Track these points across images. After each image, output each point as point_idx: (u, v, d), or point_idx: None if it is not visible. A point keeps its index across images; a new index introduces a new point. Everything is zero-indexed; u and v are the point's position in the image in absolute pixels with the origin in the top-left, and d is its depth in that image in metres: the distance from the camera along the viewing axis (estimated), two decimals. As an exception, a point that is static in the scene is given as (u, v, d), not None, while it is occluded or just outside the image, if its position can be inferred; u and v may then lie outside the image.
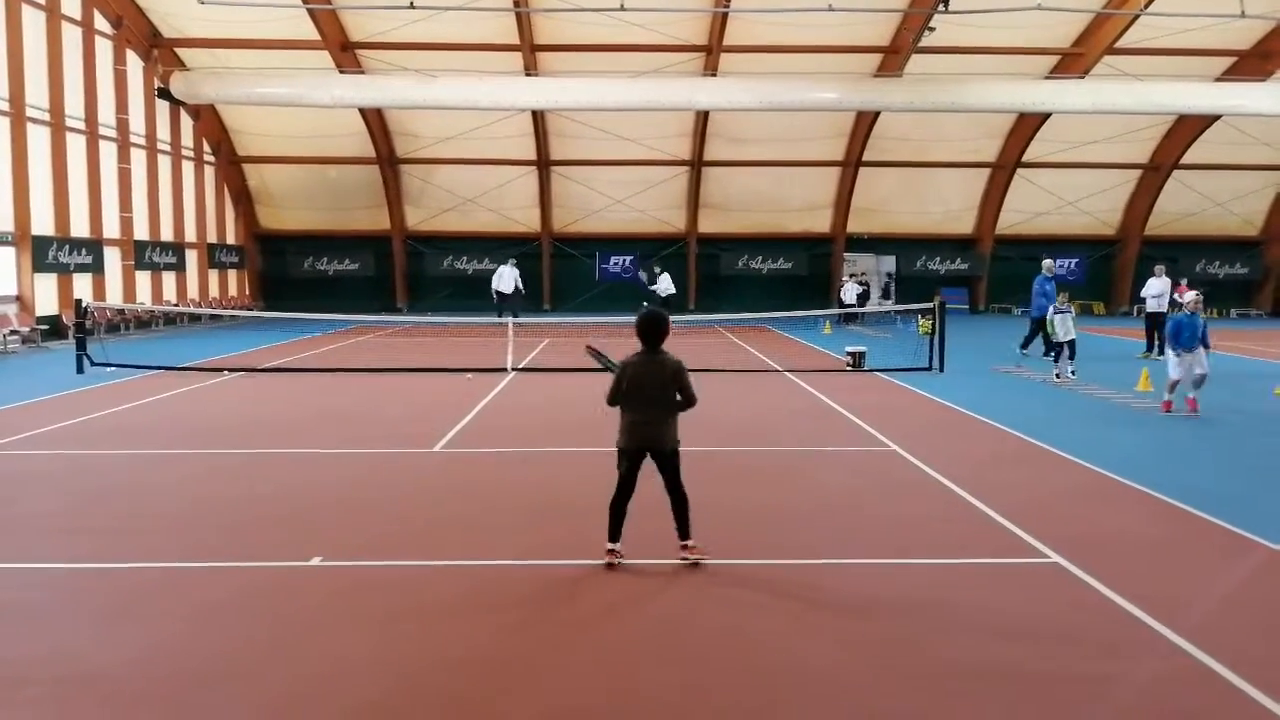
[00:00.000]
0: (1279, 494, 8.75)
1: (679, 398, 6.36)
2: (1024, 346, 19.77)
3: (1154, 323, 20.15)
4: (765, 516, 7.88)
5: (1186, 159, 33.61)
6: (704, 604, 5.85)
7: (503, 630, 5.42)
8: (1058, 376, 16.02)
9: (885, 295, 33.93)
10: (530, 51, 28.74)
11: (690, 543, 6.45)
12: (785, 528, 7.58)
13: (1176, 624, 5.45)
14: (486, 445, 10.76)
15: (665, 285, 30.19)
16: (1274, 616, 5.70)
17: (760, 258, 35.56)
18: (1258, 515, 7.69)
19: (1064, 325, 16.09)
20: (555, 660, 5.04)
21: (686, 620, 5.60)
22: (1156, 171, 34.37)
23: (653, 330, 6.35)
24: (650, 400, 6.31)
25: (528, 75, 28.82)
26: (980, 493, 8.46)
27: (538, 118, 31.54)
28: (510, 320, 25.91)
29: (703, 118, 31.42)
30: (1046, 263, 20.06)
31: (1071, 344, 16.20)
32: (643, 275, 31.29)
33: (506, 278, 29.60)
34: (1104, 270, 36.71)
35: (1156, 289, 20.42)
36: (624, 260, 35.79)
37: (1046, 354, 17.81)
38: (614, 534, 6.43)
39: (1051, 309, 16.54)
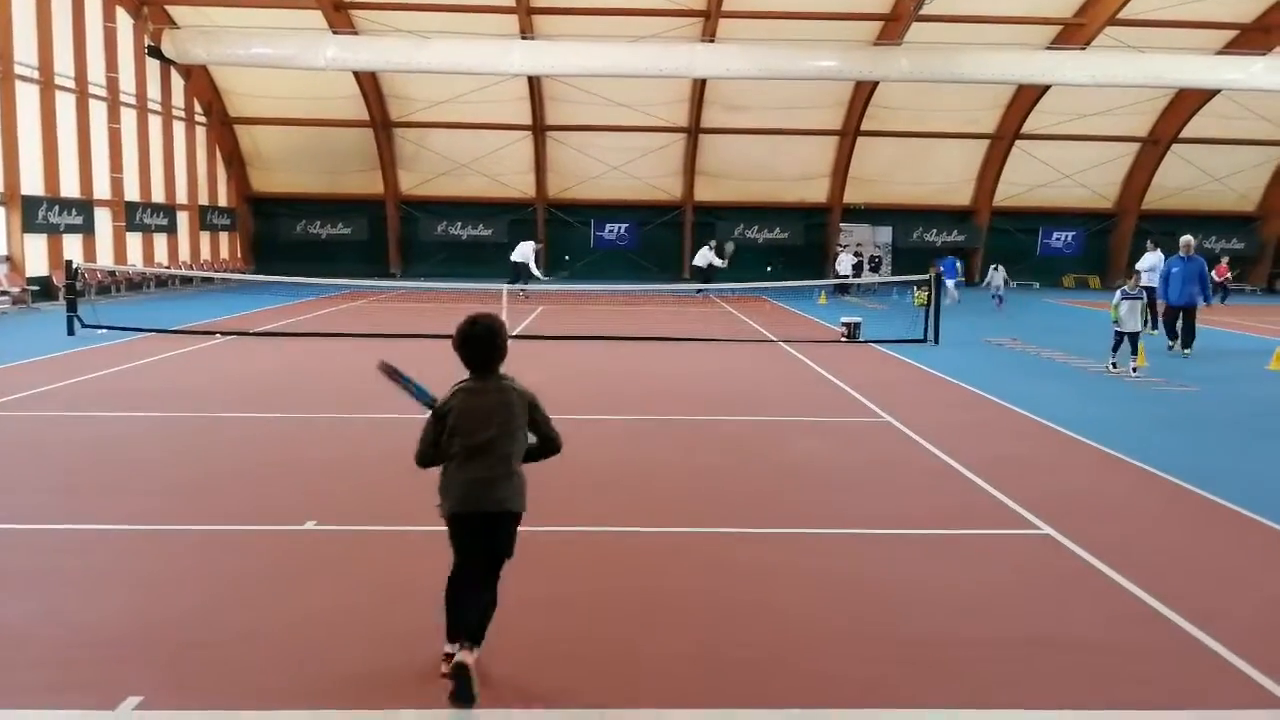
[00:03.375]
0: (1264, 467, 8.79)
1: (530, 442, 4.51)
2: (1185, 345, 16.29)
3: (1149, 298, 20.08)
4: (754, 486, 7.88)
5: (1185, 133, 33.47)
6: (688, 571, 5.85)
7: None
8: (1114, 366, 14.21)
9: (874, 269, 33.71)
10: (526, 14, 28.40)
11: (464, 648, 4.23)
12: (775, 497, 7.59)
13: (1165, 596, 5.48)
14: (480, 411, 10.71)
15: (708, 258, 29.90)
16: (1253, 585, 5.74)
17: (756, 226, 35.43)
18: (1243, 488, 7.73)
19: (1132, 314, 14.07)
20: (547, 624, 5.04)
21: (662, 589, 5.60)
22: (1155, 145, 34.24)
23: (484, 346, 4.43)
24: (490, 446, 4.35)
25: (524, 38, 28.49)
26: (973, 465, 8.47)
27: (534, 82, 31.23)
28: (510, 289, 25.85)
29: (700, 84, 31.14)
30: (1185, 239, 16.47)
31: (1134, 336, 14.13)
32: (710, 255, 30.40)
33: (520, 252, 28.29)
34: (1100, 244, 36.68)
35: (1150, 263, 20.34)
36: (619, 228, 35.61)
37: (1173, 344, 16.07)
38: (450, 631, 4.47)
39: (1119, 294, 14.22)
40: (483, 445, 4.35)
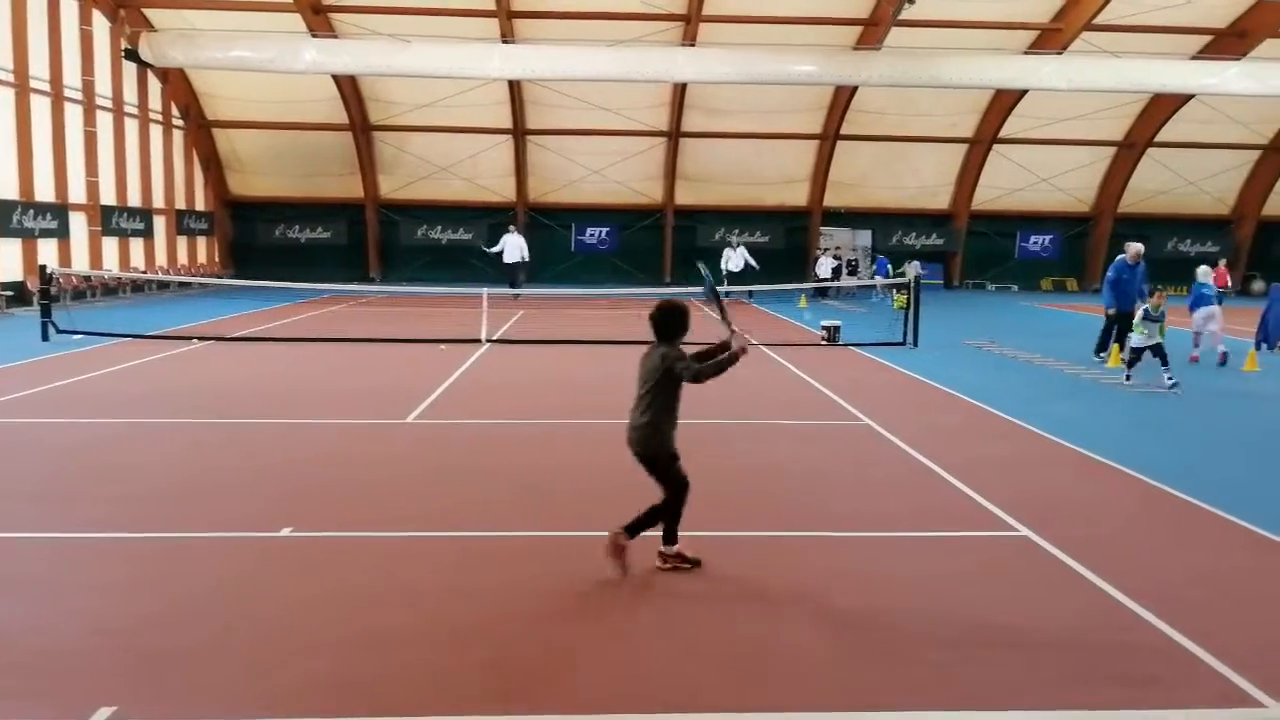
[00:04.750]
0: (1237, 467, 8.89)
1: (668, 389, 5.70)
2: (1100, 350, 16.03)
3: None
4: (735, 489, 7.88)
5: (1161, 137, 33.78)
6: (669, 577, 5.84)
7: (470, 600, 5.40)
8: (1171, 381, 12.99)
9: (852, 272, 33.80)
10: (507, 18, 28.34)
11: (670, 550, 5.89)
12: (754, 501, 7.59)
13: (1140, 594, 5.51)
14: (460, 416, 10.69)
15: (738, 261, 29.82)
16: (1227, 584, 5.79)
17: (737, 230, 35.42)
18: (1218, 488, 7.81)
19: (1152, 335, 13.13)
20: (521, 630, 5.02)
21: (650, 594, 5.59)
22: (1131, 149, 34.53)
23: (657, 321, 5.83)
24: (638, 400, 5.78)
25: (504, 42, 28.44)
26: (952, 467, 8.50)
27: (514, 86, 31.17)
28: (500, 293, 25.94)
29: (680, 88, 31.17)
30: (1136, 248, 15.79)
31: (1153, 348, 13.11)
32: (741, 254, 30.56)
33: (511, 246, 28.61)
34: (1078, 247, 36.96)
35: None
36: (600, 232, 35.58)
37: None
38: (665, 535, 5.92)
39: (1141, 313, 13.23)
40: (638, 398, 5.80)
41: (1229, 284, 30.37)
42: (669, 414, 5.78)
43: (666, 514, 5.83)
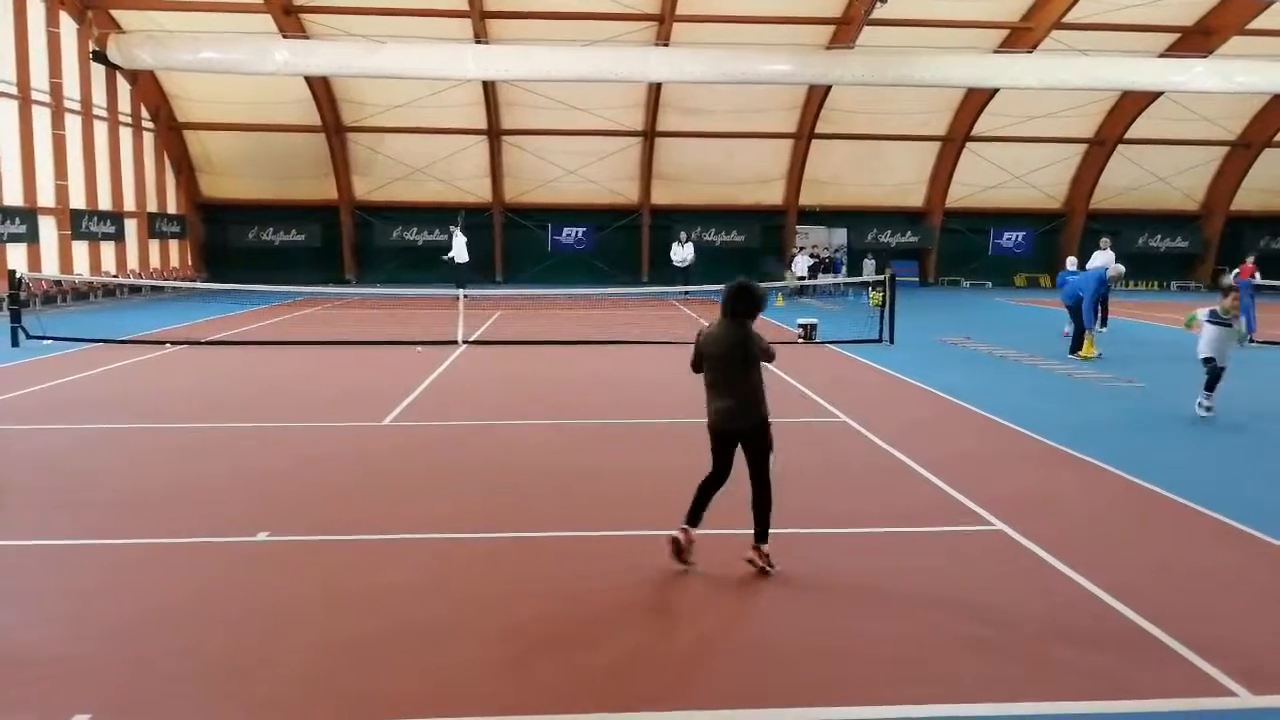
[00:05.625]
0: (1206, 461, 9.01)
1: (755, 361, 5.96)
2: (1074, 349, 16.21)
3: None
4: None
5: (1130, 134, 34.16)
6: (651, 575, 5.86)
7: (452, 602, 5.39)
8: (1203, 406, 11.04)
9: (826, 270, 33.96)
10: (480, 18, 28.26)
11: (764, 548, 5.90)
12: (733, 499, 7.59)
13: (1114, 588, 5.58)
14: (437, 418, 10.65)
15: (683, 255, 29.96)
16: (1203, 578, 5.87)
17: (713, 229, 35.54)
18: (1189, 482, 7.92)
19: (1222, 344, 11.10)
20: (504, 631, 5.01)
21: (626, 592, 5.60)
22: (1101, 146, 34.90)
23: (730, 298, 6.01)
24: (729, 380, 5.95)
25: (477, 42, 28.35)
26: (928, 463, 8.57)
27: (488, 86, 31.08)
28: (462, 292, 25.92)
29: (655, 88, 31.20)
30: (1118, 268, 16.80)
31: (1211, 363, 11.07)
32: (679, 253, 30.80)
33: (459, 246, 29.00)
34: (1050, 243, 37.29)
35: (1100, 262, 20.67)
36: (577, 232, 35.54)
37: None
38: (690, 516, 6.01)
39: (1205, 315, 11.23)
40: (722, 379, 5.98)
41: (1256, 277, 30.58)
42: (761, 384, 5.98)
43: (761, 503, 5.94)
